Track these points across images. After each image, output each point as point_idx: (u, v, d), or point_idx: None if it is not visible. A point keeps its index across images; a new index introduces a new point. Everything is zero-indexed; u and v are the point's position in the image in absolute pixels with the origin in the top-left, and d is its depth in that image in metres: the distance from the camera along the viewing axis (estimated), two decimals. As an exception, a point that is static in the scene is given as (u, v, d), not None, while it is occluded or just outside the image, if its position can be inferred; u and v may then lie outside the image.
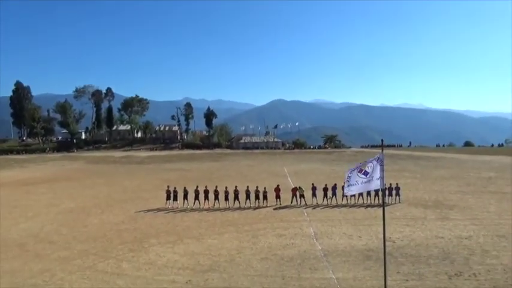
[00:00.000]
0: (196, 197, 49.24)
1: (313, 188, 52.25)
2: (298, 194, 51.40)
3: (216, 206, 48.76)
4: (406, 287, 28.79)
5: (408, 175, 76.14)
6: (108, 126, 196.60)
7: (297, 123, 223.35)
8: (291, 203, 50.90)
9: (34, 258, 34.24)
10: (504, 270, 30.69)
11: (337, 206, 49.22)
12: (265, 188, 51.32)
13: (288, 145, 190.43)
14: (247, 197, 50.00)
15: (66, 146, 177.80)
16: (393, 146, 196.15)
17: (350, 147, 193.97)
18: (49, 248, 36.37)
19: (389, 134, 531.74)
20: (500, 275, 30.01)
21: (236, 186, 51.51)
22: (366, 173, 25.69)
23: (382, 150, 26.06)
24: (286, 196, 53.00)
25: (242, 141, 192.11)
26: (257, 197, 49.92)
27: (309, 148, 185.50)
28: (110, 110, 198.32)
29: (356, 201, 50.45)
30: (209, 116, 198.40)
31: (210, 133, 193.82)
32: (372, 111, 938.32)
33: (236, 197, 49.56)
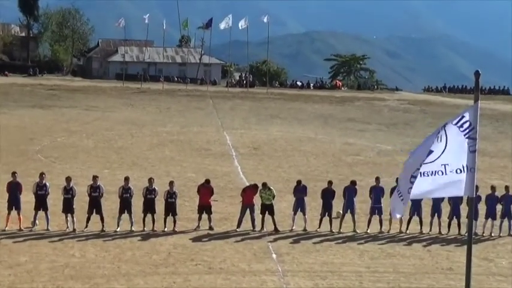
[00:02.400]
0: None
1: (299, 191, 28.97)
2: (255, 204, 28.67)
3: (40, 226, 26.95)
4: None
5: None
6: None
7: (265, 19, 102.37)
8: (238, 226, 28.18)
9: None
10: None
11: (355, 236, 28.51)
12: (172, 186, 27.95)
13: (240, 76, 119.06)
14: (123, 208, 27.20)
15: None
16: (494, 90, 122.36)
17: (398, 89, 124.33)
18: None
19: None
20: None
21: (96, 178, 27.63)
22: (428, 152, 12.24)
23: (478, 99, 11.84)
24: (227, 208, 31.14)
25: (114, 58, 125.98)
26: (149, 210, 27.33)
27: (295, 85, 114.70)
28: None
29: (404, 228, 29.17)
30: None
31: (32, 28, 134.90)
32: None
33: (94, 206, 27.18)
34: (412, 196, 12.68)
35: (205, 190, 28.31)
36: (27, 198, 27.50)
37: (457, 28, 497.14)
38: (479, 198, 27.77)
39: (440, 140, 12.36)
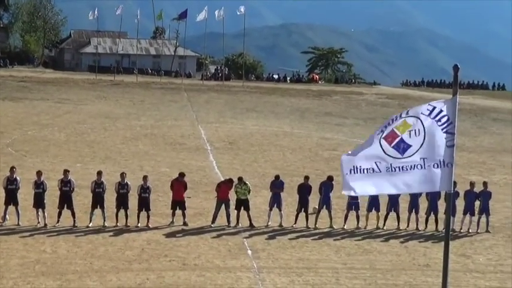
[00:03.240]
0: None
1: (276, 186, 28.81)
2: (230, 199, 28.56)
3: (10, 221, 27.00)
4: None
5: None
6: None
7: (241, 10, 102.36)
8: (213, 221, 28.03)
9: None
10: None
11: (332, 232, 28.61)
12: (145, 181, 27.73)
13: (215, 69, 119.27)
14: (96, 202, 27.08)
15: None
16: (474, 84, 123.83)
17: (376, 83, 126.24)
18: None
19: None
20: None
21: (67, 172, 27.37)
22: (403, 146, 12.05)
23: (457, 93, 11.84)
24: (202, 203, 30.98)
25: (87, 49, 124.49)
26: (122, 205, 27.21)
27: (271, 79, 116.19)
28: None
29: (381, 224, 29.27)
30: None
31: (3, 18, 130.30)
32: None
33: (66, 201, 27.01)
34: (348, 189, 12.70)
35: (179, 185, 28.11)
36: (-3, 193, 27.30)
37: (437, 22, 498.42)
38: (457, 194, 27.90)
39: (418, 134, 12.37)
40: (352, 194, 12.78)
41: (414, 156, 12.33)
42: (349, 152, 12.70)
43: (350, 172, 12.37)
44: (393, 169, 12.36)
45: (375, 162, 12.38)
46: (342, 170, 12.51)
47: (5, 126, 52.03)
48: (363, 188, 12.56)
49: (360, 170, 12.40)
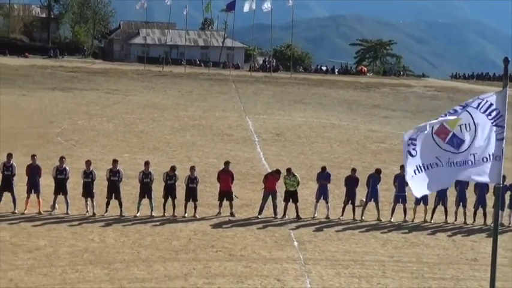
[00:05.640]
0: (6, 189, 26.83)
1: (323, 177, 28.67)
2: (277, 190, 28.49)
3: (59, 210, 27.09)
4: None
5: None
6: None
7: (289, 2, 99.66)
8: (260, 213, 27.95)
9: None
10: None
11: (379, 224, 28.42)
12: (193, 171, 27.77)
13: (263, 61, 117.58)
14: (144, 192, 27.21)
15: None
16: None
17: (425, 75, 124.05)
18: None
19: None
20: None
21: (116, 162, 27.53)
22: (456, 141, 12.09)
23: (507, 86, 11.86)
24: (249, 194, 30.76)
25: (136, 40, 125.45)
26: (170, 195, 27.34)
27: (319, 70, 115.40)
28: None
29: (428, 217, 28.88)
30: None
31: (53, 9, 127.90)
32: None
33: (113, 191, 27.22)
34: (442, 186, 12.64)
35: (226, 176, 28.11)
36: (47, 182, 27.56)
37: (486, 14, 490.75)
38: (506, 187, 27.47)
39: (469, 128, 12.26)
40: (426, 193, 12.74)
41: (468, 150, 12.26)
42: (413, 135, 12.60)
43: (415, 173, 12.29)
44: (453, 163, 12.29)
45: (436, 157, 12.31)
46: (406, 173, 12.44)
47: (54, 116, 52.67)
48: (430, 185, 12.50)
49: (424, 167, 12.32)
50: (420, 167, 12.34)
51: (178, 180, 27.67)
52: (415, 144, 12.38)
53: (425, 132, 12.31)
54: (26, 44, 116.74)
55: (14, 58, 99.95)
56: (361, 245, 24.81)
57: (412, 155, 12.39)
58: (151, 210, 26.89)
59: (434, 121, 12.32)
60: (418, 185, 12.29)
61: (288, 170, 28.43)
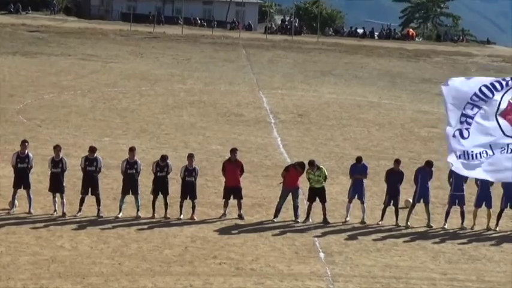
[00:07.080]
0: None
1: (357, 171, 29.33)
2: (299, 187, 29.10)
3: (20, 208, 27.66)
4: None
5: None
6: None
7: None
8: (276, 215, 28.65)
9: None
10: None
11: (429, 232, 29.02)
12: (191, 161, 28.46)
13: (283, 21, 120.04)
14: (128, 187, 27.83)
15: None
16: None
17: (490, 42, 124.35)
18: None
19: None
20: None
21: (93, 148, 27.98)
22: None
23: None
24: (262, 191, 32.18)
25: None
26: (161, 191, 28.02)
27: (354, 34, 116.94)
28: None
29: (492, 224, 29.40)
30: None
31: None
32: None
33: (90, 184, 27.73)
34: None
35: (233, 167, 28.79)
36: (4, 172, 28.07)
37: None
38: None
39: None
40: (464, 173, 13.10)
41: None
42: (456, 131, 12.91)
43: (460, 157, 12.65)
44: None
45: (489, 145, 12.65)
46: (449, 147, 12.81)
47: (15, 88, 53.43)
48: (475, 172, 12.86)
49: (472, 155, 12.69)
50: (467, 153, 12.70)
51: (172, 172, 28.39)
52: (469, 124, 12.68)
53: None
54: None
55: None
56: (405, 258, 25.47)
57: (463, 137, 12.73)
58: (137, 210, 27.59)
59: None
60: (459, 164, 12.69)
61: (311, 163, 29.20)
